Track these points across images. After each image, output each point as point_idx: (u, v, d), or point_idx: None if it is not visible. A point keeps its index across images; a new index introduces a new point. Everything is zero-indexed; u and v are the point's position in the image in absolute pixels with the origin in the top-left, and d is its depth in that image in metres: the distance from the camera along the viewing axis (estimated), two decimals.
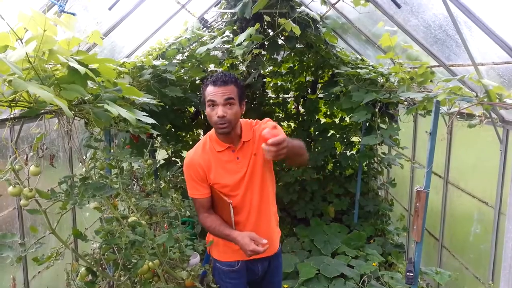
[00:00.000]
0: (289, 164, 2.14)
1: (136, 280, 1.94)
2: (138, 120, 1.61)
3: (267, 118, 1.97)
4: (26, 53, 1.11)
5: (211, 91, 1.73)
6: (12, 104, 1.27)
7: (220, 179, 1.85)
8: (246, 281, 2.01)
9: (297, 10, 3.32)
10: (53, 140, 2.82)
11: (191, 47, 3.26)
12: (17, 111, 1.51)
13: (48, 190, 1.60)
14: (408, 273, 2.31)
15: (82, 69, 1.19)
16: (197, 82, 3.87)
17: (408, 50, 2.50)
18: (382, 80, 3.21)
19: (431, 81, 2.53)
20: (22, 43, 1.21)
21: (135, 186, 2.49)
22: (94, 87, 1.50)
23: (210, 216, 1.88)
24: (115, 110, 1.37)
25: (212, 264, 2.03)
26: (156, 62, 2.77)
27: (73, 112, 1.48)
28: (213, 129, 1.86)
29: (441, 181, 3.38)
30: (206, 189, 1.87)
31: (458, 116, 2.20)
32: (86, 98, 1.41)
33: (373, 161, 4.34)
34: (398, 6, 2.29)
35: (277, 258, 2.10)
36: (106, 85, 1.56)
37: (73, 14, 1.46)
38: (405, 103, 3.26)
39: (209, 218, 1.87)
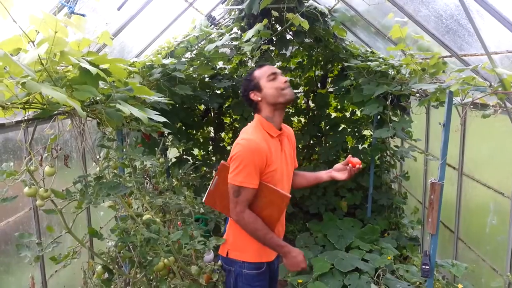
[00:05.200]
0: (300, 186, 2.15)
1: (152, 277, 1.96)
2: (150, 119, 1.62)
3: None
4: (38, 55, 1.13)
5: (266, 69, 1.85)
6: (26, 106, 1.29)
7: (275, 166, 1.79)
8: (268, 279, 1.99)
9: (305, 4, 3.30)
10: (66, 141, 2.86)
11: (199, 45, 3.27)
12: (30, 113, 1.53)
13: (63, 190, 1.63)
14: (424, 266, 2.29)
15: (93, 70, 1.20)
16: (206, 79, 3.88)
17: (419, 41, 2.46)
18: (393, 72, 3.17)
19: (443, 71, 2.49)
20: (34, 46, 1.22)
21: (148, 185, 2.52)
22: (106, 87, 1.51)
23: (257, 217, 1.76)
24: (127, 109, 1.38)
25: (234, 272, 1.89)
26: (165, 61, 2.78)
27: (85, 112, 1.49)
28: (261, 118, 1.86)
29: (456, 172, 3.34)
30: (258, 180, 1.75)
31: (471, 107, 2.17)
32: (98, 98, 1.42)
33: (385, 155, 4.30)
34: None
35: None
36: (117, 85, 1.57)
37: (83, 15, 1.47)
38: (417, 94, 3.22)
39: (258, 219, 1.75)
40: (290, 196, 1.79)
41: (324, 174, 2.05)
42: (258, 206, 1.78)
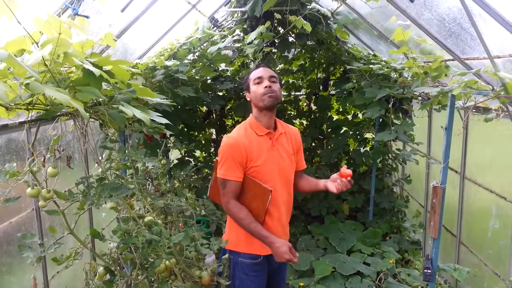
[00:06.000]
0: (303, 190, 2.22)
1: (153, 279, 1.96)
2: (152, 120, 1.62)
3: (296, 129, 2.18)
4: (42, 56, 1.13)
5: (256, 71, 1.96)
6: (29, 107, 1.29)
7: (260, 162, 1.89)
8: (266, 273, 2.04)
9: (308, 6, 3.30)
10: (69, 142, 2.87)
11: (202, 46, 3.27)
12: (33, 114, 1.53)
13: (65, 191, 1.63)
14: (426, 270, 2.28)
15: (96, 71, 1.20)
16: (208, 81, 3.89)
17: (422, 44, 2.46)
18: (395, 75, 3.17)
19: (445, 75, 2.49)
20: (38, 47, 1.22)
21: (149, 186, 2.51)
22: (109, 88, 1.51)
23: (243, 207, 1.88)
24: (130, 111, 1.38)
25: (232, 260, 2.00)
26: (168, 63, 2.79)
27: (88, 113, 1.50)
28: (251, 117, 2.00)
29: (458, 176, 3.33)
30: (242, 173, 1.89)
31: (474, 110, 2.16)
32: (101, 99, 1.42)
33: (387, 158, 4.30)
34: None
35: None
36: (120, 87, 1.57)
37: (87, 17, 1.48)
38: (419, 98, 3.22)
39: (243, 210, 1.87)
40: (271, 189, 1.85)
41: (321, 183, 2.11)
42: (246, 199, 1.91)
